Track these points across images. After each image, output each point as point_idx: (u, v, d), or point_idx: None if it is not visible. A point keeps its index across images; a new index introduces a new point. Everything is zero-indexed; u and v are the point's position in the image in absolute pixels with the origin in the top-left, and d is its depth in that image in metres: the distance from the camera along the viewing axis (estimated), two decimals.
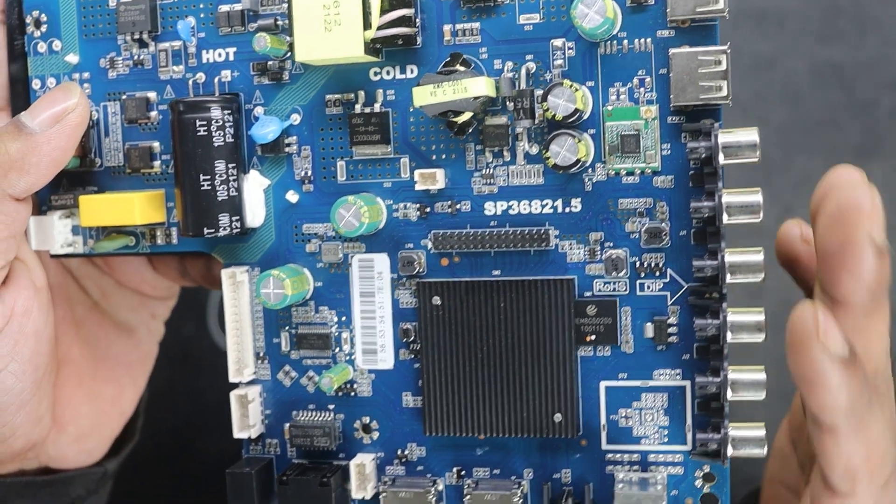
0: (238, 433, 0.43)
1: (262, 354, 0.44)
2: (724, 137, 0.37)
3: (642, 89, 0.39)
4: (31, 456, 0.46)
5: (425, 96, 0.39)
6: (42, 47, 0.45)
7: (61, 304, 0.48)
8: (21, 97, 0.45)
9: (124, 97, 0.44)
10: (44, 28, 0.44)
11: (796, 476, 0.45)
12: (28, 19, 0.44)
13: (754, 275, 0.37)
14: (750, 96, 0.68)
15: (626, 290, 0.40)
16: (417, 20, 0.40)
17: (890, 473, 0.37)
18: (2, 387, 0.42)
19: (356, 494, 0.42)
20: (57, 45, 0.44)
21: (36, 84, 0.45)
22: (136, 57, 0.44)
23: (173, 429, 0.54)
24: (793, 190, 0.48)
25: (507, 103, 0.40)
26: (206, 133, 0.41)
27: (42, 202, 0.45)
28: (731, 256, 0.37)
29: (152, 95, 0.44)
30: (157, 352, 0.52)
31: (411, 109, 0.41)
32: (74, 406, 0.48)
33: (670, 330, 0.40)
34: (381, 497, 0.42)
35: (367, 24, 0.39)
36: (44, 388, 0.45)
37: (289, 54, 0.42)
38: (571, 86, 0.38)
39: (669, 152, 0.39)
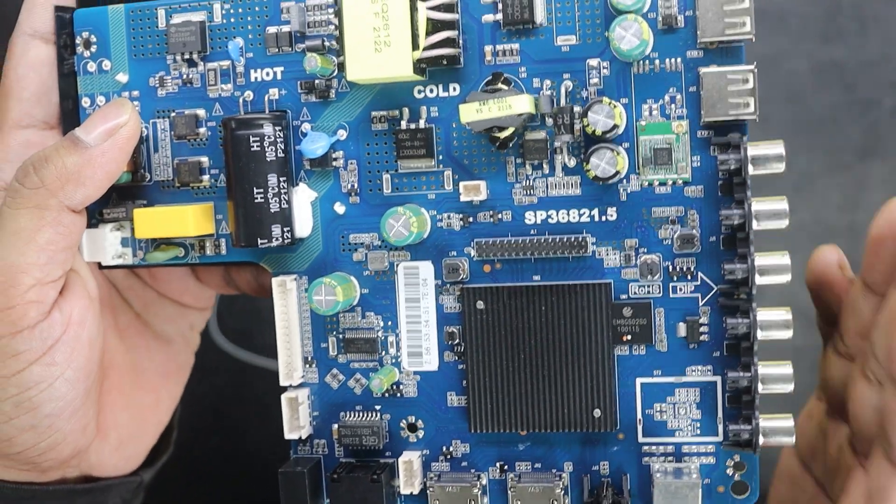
0: (289, 434, 0.48)
1: (310, 359, 0.48)
2: (753, 150, 0.42)
3: (673, 105, 0.44)
4: (74, 463, 0.50)
5: (472, 113, 0.44)
6: (92, 67, 0.49)
7: (106, 315, 0.51)
8: (70, 115, 0.49)
9: (174, 114, 0.48)
10: (93, 48, 0.49)
11: (811, 494, 0.51)
12: (78, 40, 0.49)
13: (781, 276, 0.43)
14: None
15: (659, 292, 0.45)
16: (460, 41, 0.45)
17: None
18: (57, 394, 0.45)
19: (404, 490, 0.47)
20: (107, 64, 0.49)
21: (86, 102, 0.49)
22: (185, 76, 0.48)
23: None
24: (794, 190, 0.52)
25: (546, 119, 0.45)
26: (258, 148, 0.45)
27: (92, 216, 0.49)
28: (760, 259, 0.43)
29: (201, 113, 0.48)
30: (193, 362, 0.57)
31: (454, 125, 0.46)
32: (116, 414, 0.51)
33: (701, 329, 0.45)
34: (428, 491, 0.47)
35: (414, 45, 0.43)
36: (92, 395, 0.48)
37: (335, 73, 0.46)
38: (610, 103, 0.43)
39: (699, 164, 0.44)
